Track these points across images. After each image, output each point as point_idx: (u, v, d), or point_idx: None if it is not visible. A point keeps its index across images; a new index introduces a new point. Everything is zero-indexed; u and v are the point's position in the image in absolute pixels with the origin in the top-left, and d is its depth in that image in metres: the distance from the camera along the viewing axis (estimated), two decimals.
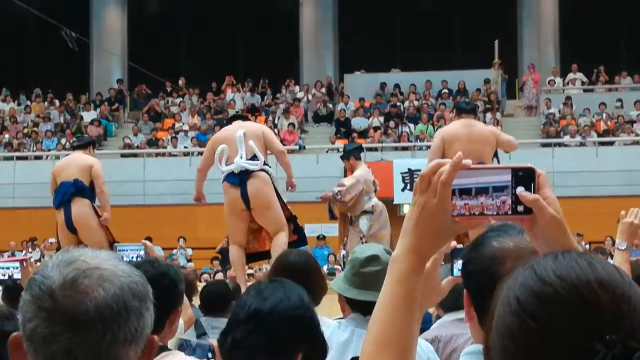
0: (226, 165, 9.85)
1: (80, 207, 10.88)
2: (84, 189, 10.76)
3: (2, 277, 4.91)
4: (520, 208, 1.64)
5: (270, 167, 9.94)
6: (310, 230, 14.16)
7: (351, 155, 11.35)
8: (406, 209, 12.82)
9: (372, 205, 11.13)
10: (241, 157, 9.76)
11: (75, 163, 10.90)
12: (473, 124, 10.40)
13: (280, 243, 9.59)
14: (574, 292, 1.30)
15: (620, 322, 1.28)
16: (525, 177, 1.64)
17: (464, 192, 1.65)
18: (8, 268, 4.93)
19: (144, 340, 1.58)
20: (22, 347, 1.55)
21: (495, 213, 1.64)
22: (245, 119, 10.62)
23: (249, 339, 2.46)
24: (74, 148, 11.28)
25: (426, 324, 5.17)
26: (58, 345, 1.51)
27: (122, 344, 1.54)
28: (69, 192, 10.80)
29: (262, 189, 9.74)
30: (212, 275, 16.66)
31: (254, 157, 9.79)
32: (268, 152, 9.99)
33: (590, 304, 1.29)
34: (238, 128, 9.94)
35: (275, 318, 2.47)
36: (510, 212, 1.64)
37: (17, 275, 4.86)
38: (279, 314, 2.48)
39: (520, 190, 1.63)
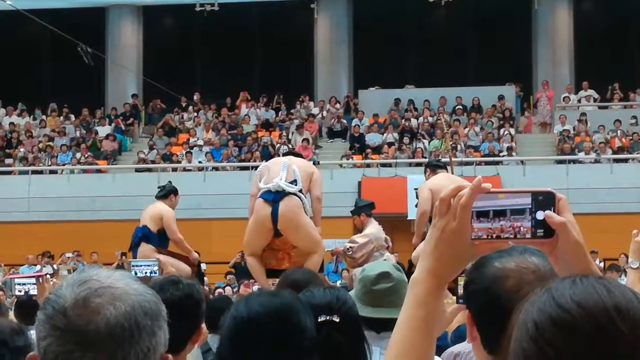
0: (265, 184, 10.02)
1: (142, 251, 11.47)
2: (151, 235, 11.34)
3: (18, 293, 4.94)
4: (540, 232, 1.63)
5: (305, 195, 10.08)
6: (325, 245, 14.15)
7: (362, 211, 11.38)
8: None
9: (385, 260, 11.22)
10: (281, 179, 9.95)
11: (150, 212, 11.60)
12: (451, 176, 11.16)
13: (312, 264, 9.77)
14: (591, 320, 1.29)
15: (636, 349, 1.28)
16: (545, 201, 1.64)
17: (483, 215, 1.65)
18: (25, 284, 4.95)
19: (157, 359, 1.59)
20: None
21: (514, 236, 1.65)
22: (299, 156, 10.70)
23: (233, 355, 2.42)
24: (156, 198, 11.84)
25: (440, 340, 5.18)
26: None
27: None
28: (138, 236, 11.46)
29: (293, 209, 9.90)
30: (225, 290, 16.69)
31: (293, 182, 9.97)
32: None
33: (608, 331, 1.28)
34: (287, 160, 10.22)
35: (255, 328, 2.40)
36: (529, 236, 1.64)
37: (33, 291, 4.89)
38: (258, 323, 2.41)
39: (545, 213, 1.63)
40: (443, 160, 12.74)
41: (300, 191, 10.01)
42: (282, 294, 2.49)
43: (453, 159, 22.00)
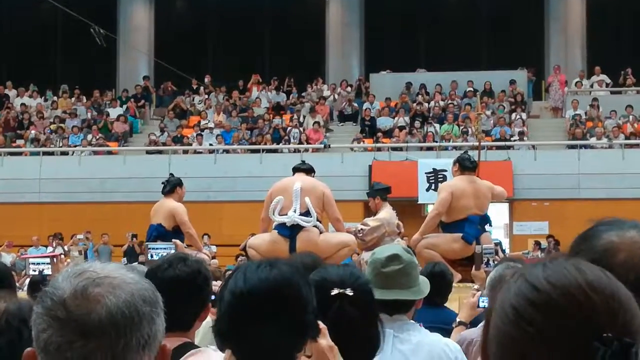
0: (280, 215, 10.08)
1: None
2: (166, 233, 11.44)
3: (33, 273, 4.94)
4: None
5: (321, 222, 10.21)
6: (334, 229, 14.18)
7: (377, 194, 11.34)
8: (430, 209, 12.88)
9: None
10: (295, 211, 10.03)
11: (161, 210, 11.66)
12: (475, 180, 11.05)
13: (340, 256, 9.97)
14: (567, 297, 1.37)
15: (613, 320, 1.35)
16: None
17: None
18: (39, 264, 4.96)
19: (156, 347, 1.59)
20: None
21: None
22: (308, 171, 10.65)
23: (233, 329, 2.35)
24: (163, 194, 11.84)
25: (442, 323, 5.20)
26: (72, 353, 1.52)
27: (136, 350, 1.55)
28: (153, 235, 11.54)
29: (312, 240, 10.00)
30: None
31: (307, 213, 10.05)
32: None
33: (584, 305, 1.36)
34: (297, 181, 10.19)
35: (254, 302, 2.33)
36: None
37: (47, 271, 4.90)
38: (257, 297, 2.33)
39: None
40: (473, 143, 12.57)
41: (317, 219, 10.13)
42: (281, 266, 2.40)
43: (469, 143, 21.96)
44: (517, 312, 1.38)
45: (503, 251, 16.09)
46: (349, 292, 2.84)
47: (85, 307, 1.53)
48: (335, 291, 2.82)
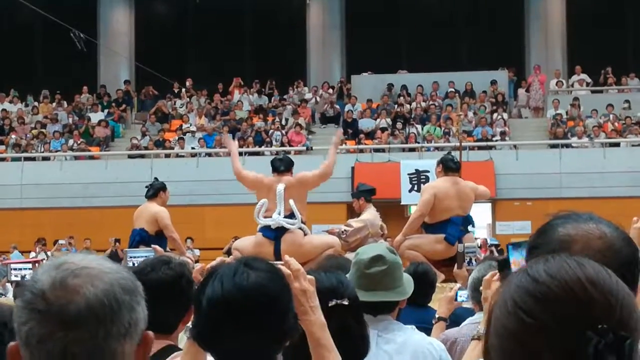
0: (264, 217, 10.15)
1: None
2: (148, 238, 11.39)
3: (15, 278, 4.91)
4: None
5: (305, 223, 10.23)
6: (317, 230, 14.19)
7: (362, 195, 11.33)
8: (413, 210, 12.88)
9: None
10: (279, 214, 10.07)
11: (144, 214, 11.61)
12: (459, 182, 11.03)
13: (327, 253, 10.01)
14: (566, 289, 1.40)
15: (610, 314, 1.39)
16: None
17: None
18: (21, 269, 4.93)
19: (138, 335, 1.60)
20: (20, 355, 1.57)
21: None
22: (288, 169, 10.51)
23: (211, 335, 2.35)
24: (146, 198, 11.78)
25: (425, 323, 5.23)
26: (53, 344, 1.54)
27: (116, 339, 1.56)
28: (136, 240, 11.49)
29: (296, 241, 10.05)
30: None
31: (291, 215, 10.08)
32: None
33: (582, 298, 1.39)
34: (278, 182, 10.21)
35: (229, 309, 2.31)
36: None
37: (29, 277, 4.89)
38: (232, 304, 2.31)
39: None
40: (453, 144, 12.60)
41: (302, 221, 10.18)
42: (259, 272, 2.35)
43: (444, 144, 21.99)
44: (516, 303, 1.42)
45: (500, 252, 16.05)
46: (345, 302, 2.85)
47: (64, 298, 1.54)
48: (332, 302, 2.83)
